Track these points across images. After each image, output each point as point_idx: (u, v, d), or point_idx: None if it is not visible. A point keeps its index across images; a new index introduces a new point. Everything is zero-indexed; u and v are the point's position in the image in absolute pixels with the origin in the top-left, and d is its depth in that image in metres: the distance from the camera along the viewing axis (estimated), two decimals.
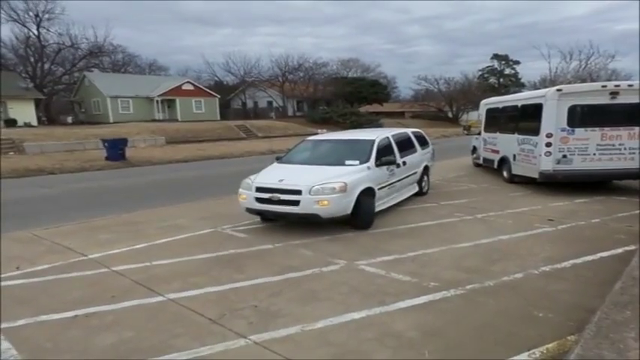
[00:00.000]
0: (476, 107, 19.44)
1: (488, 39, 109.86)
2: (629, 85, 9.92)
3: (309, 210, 7.03)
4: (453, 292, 4.87)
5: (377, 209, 8.16)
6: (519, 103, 12.12)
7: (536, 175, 10.47)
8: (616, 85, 9.99)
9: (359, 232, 7.43)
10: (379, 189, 8.13)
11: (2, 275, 5.70)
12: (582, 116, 9.93)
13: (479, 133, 15.19)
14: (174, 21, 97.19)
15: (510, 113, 12.60)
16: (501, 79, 67.72)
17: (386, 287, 5.05)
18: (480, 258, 5.99)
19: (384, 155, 8.47)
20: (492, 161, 13.48)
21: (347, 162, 8.00)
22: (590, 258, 5.88)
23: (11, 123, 33.25)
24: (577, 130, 9.94)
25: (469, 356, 3.60)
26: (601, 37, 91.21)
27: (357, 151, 8.34)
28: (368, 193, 7.68)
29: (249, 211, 7.79)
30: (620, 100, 9.76)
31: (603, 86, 10.16)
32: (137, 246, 6.94)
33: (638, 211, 8.34)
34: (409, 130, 10.94)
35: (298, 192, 7.07)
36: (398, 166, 8.96)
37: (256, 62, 59.28)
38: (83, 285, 5.34)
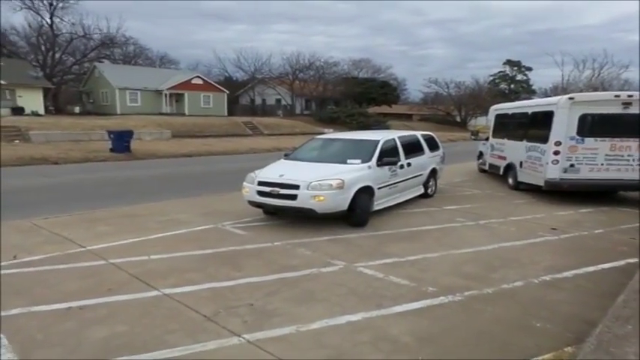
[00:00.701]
0: (485, 112, 19.32)
1: (502, 44, 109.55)
2: None
3: (305, 204, 7.27)
4: (450, 298, 4.81)
5: (376, 208, 8.32)
6: (530, 110, 12.02)
7: (541, 183, 10.36)
8: (629, 96, 9.88)
9: (360, 233, 7.39)
10: (379, 188, 8.23)
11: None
12: (592, 126, 9.81)
13: (486, 139, 15.08)
14: (190, 16, 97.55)
15: (520, 120, 12.49)
16: (512, 85, 67.21)
17: (383, 290, 5.00)
18: (480, 265, 5.92)
19: (388, 156, 8.57)
20: (498, 167, 13.37)
21: (349, 161, 8.11)
22: (591, 269, 5.80)
23: (18, 111, 33.42)
24: (587, 139, 9.83)
25: None
26: (615, 46, 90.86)
27: (361, 151, 8.46)
28: (366, 192, 7.83)
29: (251, 203, 8.02)
30: (632, 110, 9.63)
31: (616, 96, 10.05)
32: (136, 239, 6.92)
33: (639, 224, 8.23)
34: (418, 133, 10.97)
35: (296, 187, 7.31)
36: (402, 167, 9.02)
37: (267, 59, 59.22)
38: (79, 277, 5.32)
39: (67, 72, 50.03)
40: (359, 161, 8.09)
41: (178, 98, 45.74)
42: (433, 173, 10.72)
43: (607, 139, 9.79)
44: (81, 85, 48.02)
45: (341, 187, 7.32)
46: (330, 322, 4.20)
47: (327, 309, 4.50)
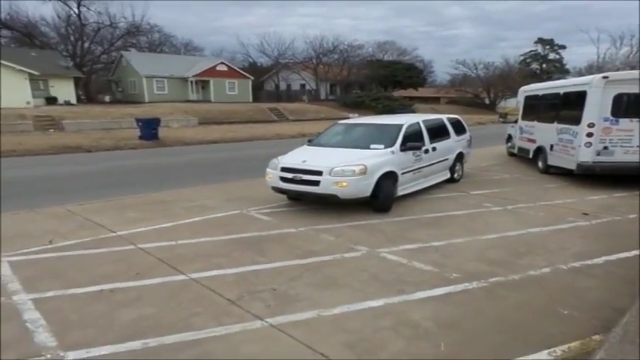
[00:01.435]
0: (514, 94, 18.73)
1: (534, 21, 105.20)
2: None
3: (328, 190, 7.27)
4: (475, 284, 4.76)
5: (400, 193, 8.27)
6: (561, 91, 11.58)
7: (573, 167, 10.03)
8: None
9: (383, 219, 7.37)
10: (403, 173, 8.16)
11: (37, 248, 5.97)
12: (628, 106, 9.39)
13: (515, 121, 14.67)
14: (214, 1, 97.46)
15: (550, 101, 12.07)
16: (544, 65, 64.87)
17: (406, 276, 4.99)
18: (507, 250, 5.82)
19: (412, 140, 8.45)
20: (528, 151, 13.01)
21: (372, 146, 8.06)
22: (623, 255, 5.61)
23: (52, 101, 34.52)
24: (621, 120, 9.43)
25: (486, 350, 3.51)
26: None
27: (384, 136, 8.38)
28: (389, 177, 7.78)
29: (275, 189, 8.06)
30: None
31: None
32: (164, 225, 7.11)
33: None
34: (444, 116, 10.77)
35: (319, 173, 7.32)
36: (426, 151, 8.89)
37: (290, 44, 59.00)
38: (110, 261, 5.52)
39: (96, 61, 51.11)
40: (382, 146, 8.02)
41: (204, 85, 46.20)
42: (460, 157, 10.54)
43: None
44: (110, 74, 49.07)
45: (364, 172, 7.29)
46: (352, 308, 4.23)
47: (349, 294, 4.53)
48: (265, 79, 57.21)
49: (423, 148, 8.78)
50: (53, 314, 4.13)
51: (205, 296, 4.52)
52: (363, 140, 8.45)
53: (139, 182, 11.20)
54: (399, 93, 53.97)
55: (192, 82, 44.96)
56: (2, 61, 30.48)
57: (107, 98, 43.40)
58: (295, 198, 8.34)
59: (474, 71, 61.31)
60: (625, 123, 9.41)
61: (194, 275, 5.03)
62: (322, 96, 53.92)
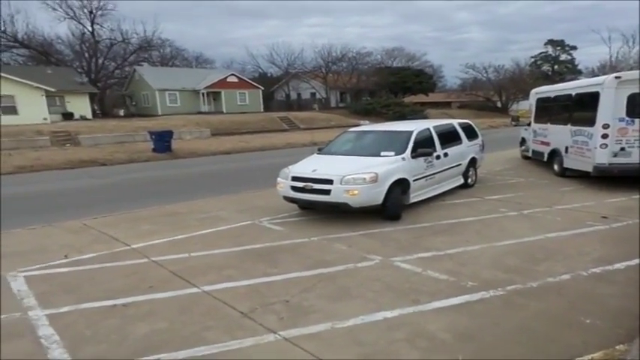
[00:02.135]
0: (526, 97, 18.47)
1: (543, 23, 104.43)
2: None
3: (339, 199, 7.24)
4: (492, 292, 4.65)
5: (413, 200, 8.21)
6: (573, 92, 11.39)
7: (589, 169, 9.83)
8: None
9: (396, 227, 7.28)
10: (414, 180, 8.08)
11: (52, 263, 6.03)
12: None
13: (528, 124, 14.46)
14: (224, 15, 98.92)
15: (563, 103, 11.87)
16: (556, 66, 64.21)
17: (421, 285, 4.90)
18: (524, 257, 5.69)
19: (422, 147, 8.37)
20: (542, 154, 12.80)
21: (382, 153, 8.01)
22: None
23: (68, 116, 35.18)
24: (637, 120, 9.23)
25: None
26: None
27: (394, 143, 8.33)
28: (401, 184, 7.72)
29: (286, 199, 8.04)
30: None
31: None
32: (177, 237, 7.12)
33: None
34: (455, 121, 10.68)
35: (330, 182, 7.29)
36: (438, 157, 8.80)
37: (299, 53, 59.26)
38: (124, 274, 5.54)
39: (110, 76, 52.13)
40: (393, 153, 7.96)
41: (215, 97, 46.67)
42: (472, 162, 10.41)
43: None
44: (123, 89, 49.92)
45: (375, 180, 7.23)
46: (366, 319, 4.16)
47: (362, 305, 4.46)
48: (276, 89, 57.62)
49: (435, 154, 8.69)
50: (67, 330, 4.14)
51: (218, 309, 4.50)
52: (373, 148, 8.40)
53: (153, 194, 11.29)
54: (409, 99, 53.82)
55: (203, 94, 45.46)
56: (20, 79, 31.21)
57: (121, 112, 44.11)
58: (307, 207, 8.30)
59: (485, 75, 61.11)
60: None
61: (207, 288, 5.01)
62: (332, 104, 54.04)
